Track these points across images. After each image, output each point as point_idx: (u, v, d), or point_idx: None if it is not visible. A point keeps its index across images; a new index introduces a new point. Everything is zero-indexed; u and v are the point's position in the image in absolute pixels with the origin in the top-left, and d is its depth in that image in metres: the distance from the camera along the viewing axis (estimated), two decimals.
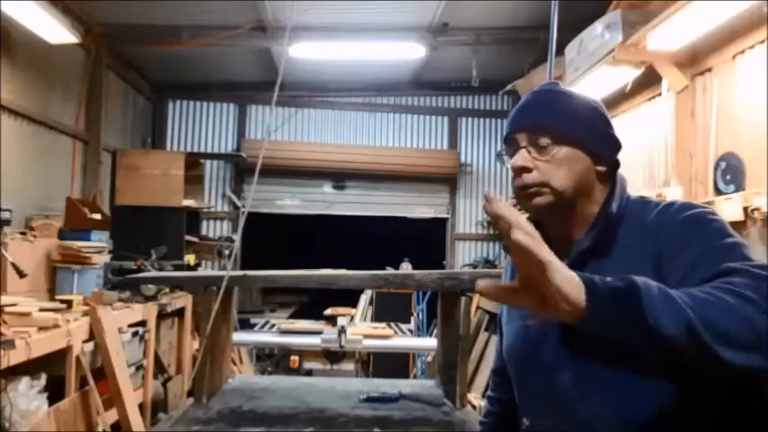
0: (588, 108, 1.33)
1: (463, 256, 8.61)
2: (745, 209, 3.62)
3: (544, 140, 1.26)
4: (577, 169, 1.26)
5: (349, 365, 5.22)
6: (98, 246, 4.67)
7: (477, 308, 7.31)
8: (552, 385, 1.23)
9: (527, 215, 1.32)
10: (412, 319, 6.78)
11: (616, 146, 1.33)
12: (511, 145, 1.32)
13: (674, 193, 4.35)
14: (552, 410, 1.25)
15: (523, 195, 1.29)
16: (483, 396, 6.19)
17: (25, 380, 2.97)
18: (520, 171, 1.27)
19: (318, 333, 5.03)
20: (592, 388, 1.18)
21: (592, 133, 1.29)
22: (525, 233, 0.89)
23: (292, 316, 7.75)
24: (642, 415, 1.13)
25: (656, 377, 1.10)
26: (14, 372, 2.90)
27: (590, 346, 1.13)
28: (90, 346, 3.59)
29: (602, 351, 1.11)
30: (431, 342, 5.30)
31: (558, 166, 1.25)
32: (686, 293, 0.98)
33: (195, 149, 8.12)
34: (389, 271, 2.59)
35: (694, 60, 4.35)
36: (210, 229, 8.24)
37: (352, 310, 6.22)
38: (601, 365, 1.15)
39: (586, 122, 1.30)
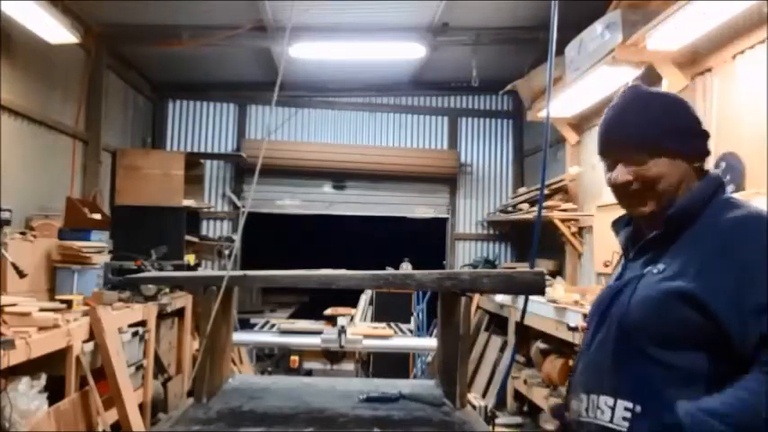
0: (669, 109, 1.44)
1: (463, 256, 8.61)
2: None
3: (637, 156, 1.41)
4: (675, 176, 1.41)
5: (349, 365, 5.21)
6: (98, 246, 4.67)
7: (477, 308, 7.31)
8: (593, 344, 1.46)
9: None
10: (412, 319, 6.78)
11: (704, 137, 1.45)
12: (607, 157, 1.48)
13: None
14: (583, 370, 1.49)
15: (626, 204, 1.49)
16: (483, 396, 6.19)
17: (25, 380, 2.97)
18: (621, 187, 1.45)
19: (318, 333, 5.03)
20: (615, 363, 1.38)
21: (679, 136, 1.41)
22: None
23: (292, 316, 7.74)
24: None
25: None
26: (14, 372, 2.90)
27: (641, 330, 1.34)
28: (90, 346, 3.59)
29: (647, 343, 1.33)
30: (431, 342, 5.30)
31: (656, 178, 1.40)
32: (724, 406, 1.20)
33: (195, 149, 8.12)
34: (389, 271, 2.59)
35: (694, 60, 4.36)
36: (210, 229, 8.23)
37: (352, 310, 6.22)
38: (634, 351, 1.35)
39: (671, 127, 1.41)
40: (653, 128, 1.41)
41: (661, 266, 1.37)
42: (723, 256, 1.29)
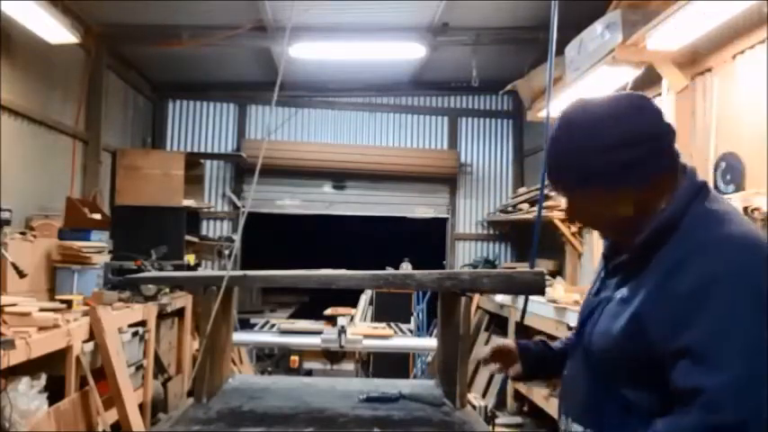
0: (602, 145, 1.24)
1: (463, 256, 8.61)
2: (745, 209, 3.62)
3: (567, 195, 1.34)
4: (620, 209, 1.27)
5: (349, 365, 5.20)
6: (98, 246, 4.67)
7: (477, 308, 7.31)
8: (572, 362, 1.44)
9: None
10: (412, 319, 6.77)
11: (657, 159, 1.24)
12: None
13: None
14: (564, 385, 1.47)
15: None
16: (483, 396, 6.19)
17: (25, 380, 2.97)
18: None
19: (318, 333, 5.03)
20: (582, 379, 1.37)
21: (613, 176, 1.24)
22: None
23: (292, 316, 7.74)
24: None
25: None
26: (14, 372, 2.90)
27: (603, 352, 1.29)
28: (90, 346, 3.59)
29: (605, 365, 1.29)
30: (431, 342, 5.29)
31: (599, 215, 1.32)
32: None
33: (195, 149, 8.11)
34: (389, 271, 2.59)
35: (694, 60, 4.36)
36: (210, 229, 8.23)
37: (352, 310, 6.22)
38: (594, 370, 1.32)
39: (603, 169, 1.24)
40: (581, 176, 1.27)
41: (625, 292, 1.28)
42: (670, 284, 1.16)
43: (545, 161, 1.39)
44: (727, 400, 1.03)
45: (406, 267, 6.90)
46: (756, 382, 1.03)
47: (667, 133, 1.28)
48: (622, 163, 1.23)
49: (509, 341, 1.72)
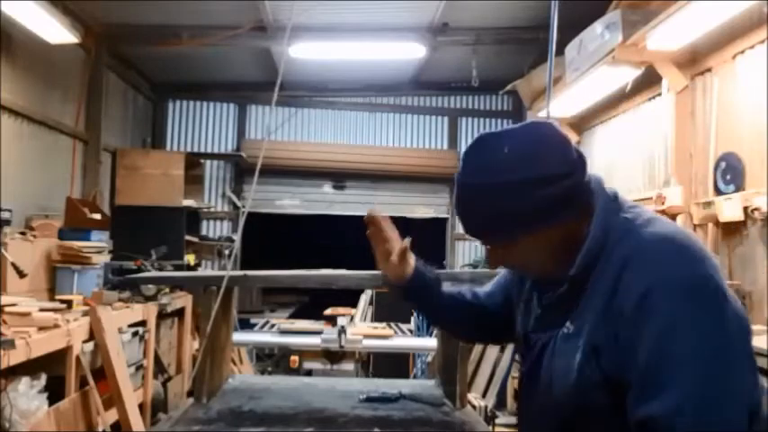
0: (506, 194, 1.15)
1: (463, 256, 8.61)
2: (745, 209, 3.63)
3: (489, 244, 1.27)
4: (538, 252, 1.21)
5: (349, 365, 5.20)
6: (98, 246, 4.67)
7: None
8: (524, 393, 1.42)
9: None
10: (412, 319, 6.77)
11: (578, 191, 1.17)
12: None
13: (674, 193, 4.36)
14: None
15: None
16: (483, 396, 6.19)
17: (25, 380, 2.97)
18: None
19: (318, 333, 5.03)
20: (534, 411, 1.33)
21: (527, 223, 1.16)
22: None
23: (292, 316, 7.74)
24: None
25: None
26: (14, 372, 2.90)
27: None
28: (90, 346, 3.59)
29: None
30: (431, 342, 5.29)
31: (518, 260, 1.25)
32: None
33: (195, 149, 8.11)
34: None
35: (694, 60, 4.36)
36: (210, 229, 8.23)
37: (352, 310, 6.22)
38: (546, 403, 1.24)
39: (516, 217, 1.16)
40: (495, 228, 1.20)
41: (570, 326, 1.19)
42: (610, 306, 1.10)
43: (456, 208, 1.27)
44: (682, 424, 0.96)
45: None
46: (710, 398, 0.97)
47: (580, 156, 1.20)
48: (551, 200, 1.15)
49: (386, 222, 1.64)
